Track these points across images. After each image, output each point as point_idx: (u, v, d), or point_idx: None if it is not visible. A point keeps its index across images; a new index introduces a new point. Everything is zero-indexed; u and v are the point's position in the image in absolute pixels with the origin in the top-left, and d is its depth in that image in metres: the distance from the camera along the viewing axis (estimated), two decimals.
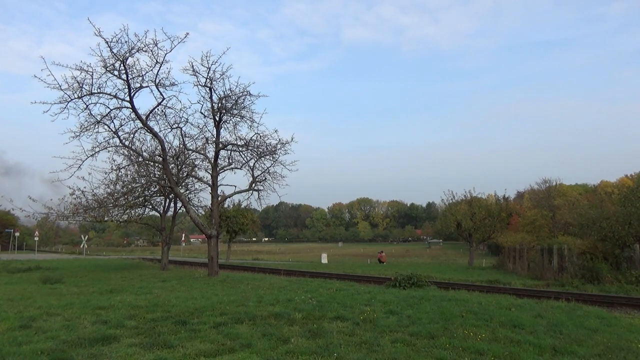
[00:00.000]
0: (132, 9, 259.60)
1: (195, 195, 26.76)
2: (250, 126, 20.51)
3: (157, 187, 24.11)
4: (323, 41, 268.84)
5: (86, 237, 70.37)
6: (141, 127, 19.40)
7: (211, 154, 21.40)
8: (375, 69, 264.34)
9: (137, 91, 17.90)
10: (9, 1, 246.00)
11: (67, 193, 21.07)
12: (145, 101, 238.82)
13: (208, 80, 19.04)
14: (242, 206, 43.61)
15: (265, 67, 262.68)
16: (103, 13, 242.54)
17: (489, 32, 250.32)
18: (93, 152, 18.32)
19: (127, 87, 17.57)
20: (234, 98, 19.80)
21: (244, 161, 21.75)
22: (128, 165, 22.20)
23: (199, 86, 19.29)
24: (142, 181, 23.52)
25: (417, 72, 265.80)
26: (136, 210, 25.72)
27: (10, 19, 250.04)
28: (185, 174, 24.10)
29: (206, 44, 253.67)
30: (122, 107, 18.31)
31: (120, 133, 18.89)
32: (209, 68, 18.60)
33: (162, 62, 17.28)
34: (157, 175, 23.58)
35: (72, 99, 17.08)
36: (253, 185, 21.96)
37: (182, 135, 20.90)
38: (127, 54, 16.75)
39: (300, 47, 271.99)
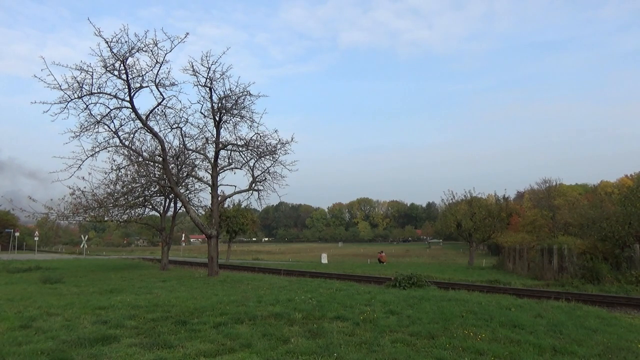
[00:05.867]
0: (133, 13, 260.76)
1: (195, 195, 26.79)
2: (250, 126, 20.54)
3: (157, 187, 24.09)
4: (320, 44, 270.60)
5: (86, 237, 70.29)
6: (141, 127, 19.39)
7: (211, 154, 21.40)
8: (372, 70, 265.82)
9: (137, 91, 17.91)
10: (13, 6, 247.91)
11: (67, 193, 21.08)
12: (145, 101, 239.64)
13: (208, 80, 19.04)
14: (242, 206, 43.63)
15: (265, 70, 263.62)
16: (104, 17, 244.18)
17: (483, 35, 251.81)
18: (93, 152, 18.30)
19: (127, 87, 17.56)
20: (234, 98, 19.79)
21: (244, 161, 21.77)
22: (128, 165, 22.18)
23: (199, 86, 19.30)
24: (142, 181, 23.51)
25: (415, 74, 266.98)
26: (136, 210, 25.71)
27: (13, 23, 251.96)
28: (185, 174, 24.09)
29: (206, 47, 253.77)
30: (122, 107, 18.31)
31: (120, 133, 18.90)
32: (209, 68, 18.61)
33: (162, 62, 17.28)
34: (157, 175, 23.57)
35: (72, 99, 17.08)
36: (253, 185, 21.95)
37: (182, 135, 20.93)
38: (127, 54, 16.74)
39: (298, 50, 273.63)
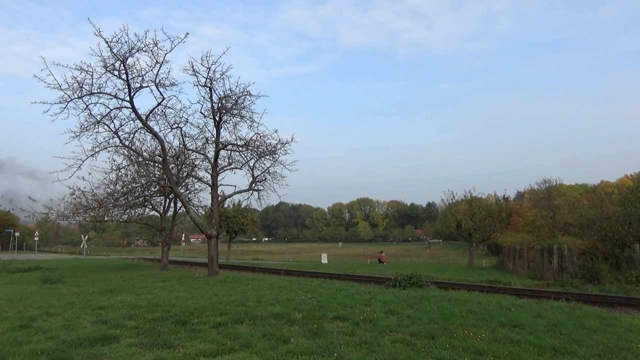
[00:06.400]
0: (132, 13, 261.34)
1: (195, 195, 26.77)
2: (250, 126, 20.53)
3: (157, 187, 24.08)
4: (320, 45, 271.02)
5: (86, 237, 70.29)
6: (141, 127, 19.37)
7: (211, 154, 21.40)
8: (373, 70, 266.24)
9: (137, 91, 17.89)
10: (12, 6, 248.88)
11: (67, 193, 21.06)
12: (145, 101, 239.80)
13: (208, 80, 19.03)
14: (242, 206, 43.65)
15: (264, 70, 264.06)
16: (104, 17, 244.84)
17: (483, 35, 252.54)
18: (93, 152, 18.28)
19: (127, 87, 17.55)
20: (234, 98, 19.79)
21: (244, 161, 21.76)
22: (128, 165, 22.17)
23: (199, 86, 19.29)
24: (142, 181, 23.50)
25: (415, 74, 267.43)
26: (136, 210, 25.70)
27: (13, 23, 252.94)
28: (185, 174, 24.08)
29: (206, 47, 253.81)
30: (122, 107, 18.30)
31: (120, 133, 18.88)
32: (209, 68, 18.59)
33: (162, 62, 17.26)
34: (157, 175, 23.56)
35: (72, 99, 17.05)
36: (253, 185, 21.95)
37: (182, 135, 20.91)
38: (127, 54, 16.73)
39: (298, 51, 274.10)
